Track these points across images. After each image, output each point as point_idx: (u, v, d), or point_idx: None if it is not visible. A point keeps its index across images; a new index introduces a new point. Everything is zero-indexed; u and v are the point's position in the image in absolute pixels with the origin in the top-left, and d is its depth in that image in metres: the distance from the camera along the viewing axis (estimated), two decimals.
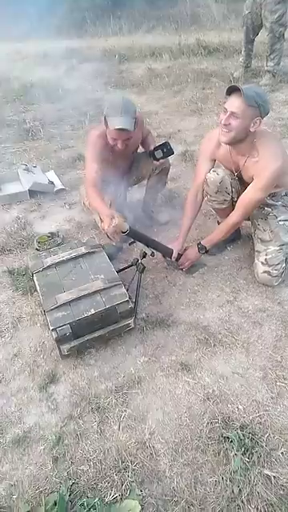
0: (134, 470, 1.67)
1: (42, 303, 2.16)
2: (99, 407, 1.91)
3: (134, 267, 2.39)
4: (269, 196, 2.36)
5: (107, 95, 2.41)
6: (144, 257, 2.35)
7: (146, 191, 3.03)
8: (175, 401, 1.92)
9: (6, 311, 2.47)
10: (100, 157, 2.50)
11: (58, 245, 2.79)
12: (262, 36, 5.19)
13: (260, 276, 2.45)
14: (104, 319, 2.10)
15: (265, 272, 2.42)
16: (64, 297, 2.11)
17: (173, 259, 2.55)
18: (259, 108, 2.03)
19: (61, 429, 1.86)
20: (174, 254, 2.53)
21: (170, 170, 2.98)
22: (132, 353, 2.15)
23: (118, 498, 1.59)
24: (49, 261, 2.35)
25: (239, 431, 1.75)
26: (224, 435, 1.75)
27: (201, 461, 1.69)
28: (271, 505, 1.54)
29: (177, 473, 1.66)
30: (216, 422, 1.81)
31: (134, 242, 2.37)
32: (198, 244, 2.53)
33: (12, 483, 1.68)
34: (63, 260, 2.34)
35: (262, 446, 1.71)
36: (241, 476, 1.62)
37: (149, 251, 2.33)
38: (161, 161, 2.70)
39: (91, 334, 2.09)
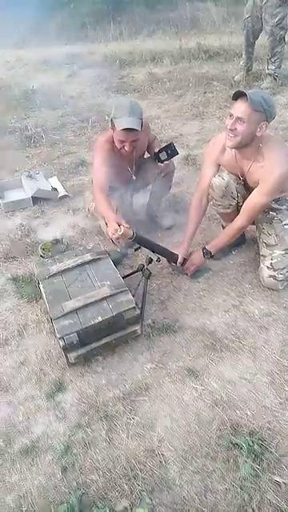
0: (143, 478, 1.66)
1: (48, 311, 2.16)
2: (107, 415, 1.91)
3: (140, 273, 2.38)
4: (273, 201, 2.36)
5: (113, 99, 2.42)
6: (150, 262, 2.35)
7: (150, 195, 3.03)
8: (183, 407, 1.91)
9: (11, 319, 2.46)
10: (108, 161, 2.51)
11: (63, 251, 2.79)
12: (263, 39, 5.19)
13: (265, 280, 2.45)
14: (111, 326, 2.09)
15: (270, 276, 2.42)
16: (71, 304, 2.11)
17: (178, 264, 2.55)
18: (265, 113, 2.03)
19: (69, 438, 1.85)
20: (180, 259, 2.52)
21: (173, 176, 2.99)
22: (139, 359, 2.15)
23: (129, 507, 1.58)
24: (55, 268, 2.35)
25: (248, 437, 1.74)
26: (233, 442, 1.74)
27: (210, 468, 1.69)
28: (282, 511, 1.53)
29: (187, 481, 1.65)
30: (225, 429, 1.80)
31: (139, 247, 2.37)
32: (203, 249, 2.53)
33: (21, 494, 1.67)
34: (69, 267, 2.34)
35: (272, 453, 1.71)
36: (251, 483, 1.61)
37: (155, 257, 2.33)
38: (165, 163, 2.70)
39: (98, 341, 2.09)
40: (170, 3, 8.98)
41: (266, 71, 5.32)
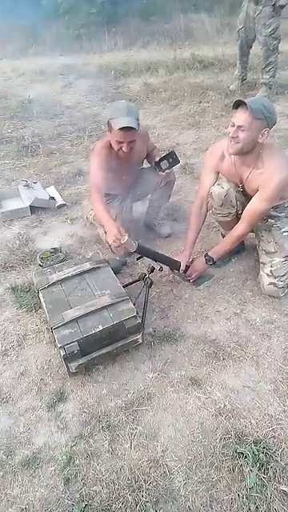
0: (147, 489, 1.64)
1: (48, 320, 2.14)
2: (110, 425, 1.88)
3: (140, 282, 2.37)
4: (272, 208, 2.36)
5: (110, 103, 2.43)
6: (152, 271, 2.34)
7: (149, 204, 3.03)
8: (186, 417, 1.89)
9: (10, 329, 2.44)
10: (105, 165, 2.51)
11: (61, 260, 2.77)
12: (257, 49, 5.24)
13: (266, 288, 2.44)
14: (112, 335, 2.07)
15: (270, 284, 2.41)
16: (71, 313, 2.09)
17: (181, 271, 2.54)
18: (266, 120, 2.05)
19: (71, 448, 1.82)
20: (182, 267, 2.52)
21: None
22: (141, 369, 2.13)
23: None
24: (54, 277, 2.33)
25: (253, 446, 1.72)
26: (238, 451, 1.72)
27: (215, 478, 1.67)
28: None
29: (192, 491, 1.63)
30: (229, 438, 1.78)
31: (141, 257, 2.36)
32: (205, 255, 2.52)
33: (23, 507, 1.64)
34: (68, 276, 2.33)
35: (277, 461, 1.69)
36: (257, 493, 1.59)
37: (157, 266, 2.32)
38: (166, 171, 2.70)
39: (99, 350, 2.07)
40: (164, 15, 9.08)
41: (261, 81, 5.36)
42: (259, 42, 5.10)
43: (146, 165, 2.91)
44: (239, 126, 2.06)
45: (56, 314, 2.11)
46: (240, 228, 2.37)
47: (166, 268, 2.48)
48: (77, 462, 1.77)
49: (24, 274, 2.83)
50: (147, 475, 1.69)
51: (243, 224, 2.35)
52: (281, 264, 2.39)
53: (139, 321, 2.13)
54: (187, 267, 2.57)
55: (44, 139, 4.85)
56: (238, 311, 2.41)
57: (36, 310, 2.51)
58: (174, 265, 2.50)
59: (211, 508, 1.58)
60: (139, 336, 2.14)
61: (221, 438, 1.78)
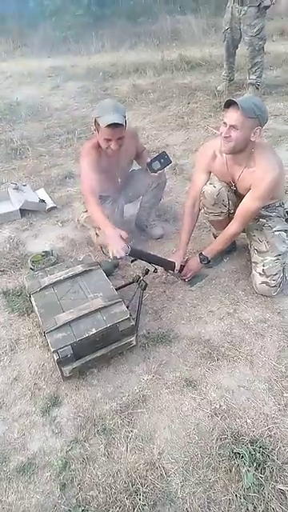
0: (144, 492, 1.63)
1: (40, 324, 2.12)
2: (105, 429, 1.87)
3: (134, 284, 2.36)
4: (263, 207, 2.38)
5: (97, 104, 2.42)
6: (146, 273, 2.33)
7: (140, 206, 3.02)
8: (182, 418, 1.89)
9: (2, 334, 2.41)
10: (96, 165, 2.49)
11: (53, 264, 2.75)
12: (243, 49, 5.26)
13: (258, 287, 2.45)
14: (105, 338, 2.06)
15: (263, 283, 2.42)
16: (64, 317, 2.07)
17: (175, 271, 2.54)
18: (258, 118, 2.07)
19: (67, 453, 1.81)
20: (177, 267, 2.52)
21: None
22: (135, 371, 2.12)
23: None
24: (46, 281, 2.31)
25: (249, 446, 1.72)
26: (234, 451, 1.72)
27: (213, 479, 1.66)
28: None
29: (189, 493, 1.62)
30: (225, 438, 1.78)
31: (135, 259, 2.36)
32: (199, 254, 2.52)
33: None
34: (60, 279, 2.31)
35: (274, 460, 1.69)
36: (254, 492, 1.59)
37: (151, 268, 2.32)
38: (159, 172, 2.70)
39: (93, 353, 2.05)
40: (150, 16, 9.09)
41: (248, 81, 5.38)
42: (245, 42, 5.12)
43: (136, 167, 2.90)
44: (231, 126, 2.06)
45: (48, 317, 2.10)
46: (233, 227, 2.38)
47: (159, 269, 2.48)
48: (73, 466, 1.76)
49: (15, 277, 2.80)
50: (144, 478, 1.68)
51: (236, 223, 2.36)
52: (273, 263, 2.40)
53: (133, 323, 2.12)
54: (182, 267, 2.56)
55: (33, 142, 4.82)
56: (231, 311, 2.41)
57: (28, 314, 2.49)
58: (168, 265, 2.50)
59: (209, 509, 1.57)
60: (133, 338, 2.13)
61: (217, 439, 1.78)
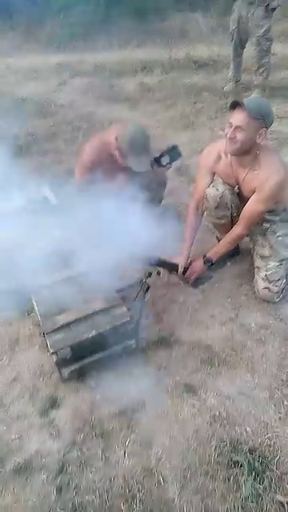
0: (141, 499, 1.62)
1: (40, 325, 2.11)
2: (103, 432, 1.86)
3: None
4: (267, 212, 2.35)
5: (126, 127, 2.37)
6: (149, 276, 2.31)
7: None
8: (181, 424, 1.87)
9: (2, 333, 2.40)
10: (99, 166, 2.47)
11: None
12: (250, 50, 5.23)
13: (261, 292, 2.43)
14: (105, 340, 2.04)
15: (265, 288, 2.40)
16: (64, 318, 2.06)
17: (179, 273, 2.52)
18: (264, 119, 2.05)
19: (64, 456, 1.79)
20: (180, 269, 2.50)
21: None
22: (135, 374, 2.10)
23: None
24: (47, 281, 2.29)
25: (248, 455, 1.71)
26: (233, 459, 1.71)
27: (210, 487, 1.65)
28: None
29: (186, 501, 1.61)
30: (224, 446, 1.76)
31: None
32: (203, 257, 2.50)
33: None
34: (61, 279, 2.29)
35: (273, 470, 1.67)
36: (252, 502, 1.57)
37: (154, 270, 2.30)
38: (168, 166, 2.67)
39: (92, 355, 2.04)
40: (159, 14, 9.03)
41: (254, 82, 5.35)
42: (252, 42, 5.09)
43: None
44: (237, 127, 2.04)
45: (48, 318, 2.08)
46: (238, 229, 2.36)
47: (162, 271, 2.46)
48: (69, 470, 1.75)
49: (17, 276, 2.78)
50: (141, 484, 1.67)
51: (241, 226, 2.34)
52: (276, 268, 2.38)
53: (133, 326, 2.10)
54: (185, 269, 2.54)
55: (38, 138, 4.80)
56: (233, 316, 2.39)
57: (29, 314, 2.47)
58: (171, 267, 2.48)
59: None
60: (133, 341, 2.12)
61: (216, 447, 1.76)
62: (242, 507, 1.56)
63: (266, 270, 2.40)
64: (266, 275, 2.39)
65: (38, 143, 4.67)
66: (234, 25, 5.15)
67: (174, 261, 2.51)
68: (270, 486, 1.62)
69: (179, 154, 2.63)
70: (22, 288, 2.57)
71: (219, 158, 2.37)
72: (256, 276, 2.46)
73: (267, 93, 5.29)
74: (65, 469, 1.75)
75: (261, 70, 5.20)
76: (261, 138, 2.10)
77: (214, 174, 2.46)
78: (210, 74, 6.40)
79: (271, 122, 2.11)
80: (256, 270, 2.48)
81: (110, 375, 2.10)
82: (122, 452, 1.79)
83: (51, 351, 1.96)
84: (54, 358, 1.95)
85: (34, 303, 2.22)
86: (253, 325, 2.33)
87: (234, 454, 1.71)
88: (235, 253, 2.81)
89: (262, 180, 2.18)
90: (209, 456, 1.73)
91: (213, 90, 5.65)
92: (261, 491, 1.60)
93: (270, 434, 1.80)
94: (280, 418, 1.86)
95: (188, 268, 2.55)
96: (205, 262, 2.50)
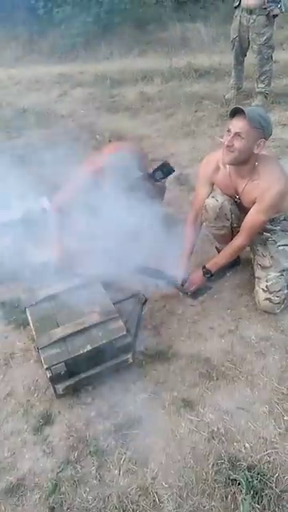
0: None
1: (35, 339, 2.07)
2: (98, 450, 1.81)
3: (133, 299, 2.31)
4: (268, 221, 2.31)
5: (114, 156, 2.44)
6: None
7: None
8: (178, 441, 1.82)
9: None
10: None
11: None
12: (252, 57, 5.22)
13: (261, 303, 2.38)
14: (101, 355, 2.00)
15: (266, 299, 2.35)
16: (59, 332, 2.02)
17: (178, 285, 2.48)
18: (263, 130, 2.02)
19: (57, 475, 1.75)
20: (179, 281, 2.46)
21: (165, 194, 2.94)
22: (131, 389, 2.05)
23: None
24: (42, 293, 2.26)
25: (247, 472, 1.65)
26: (231, 477, 1.65)
27: (207, 507, 1.59)
28: None
29: None
30: (222, 463, 1.71)
31: None
32: (202, 268, 2.45)
33: None
34: (57, 293, 2.26)
35: (272, 488, 1.62)
36: None
37: (153, 284, 2.27)
38: (163, 181, 2.70)
39: (88, 371, 2.00)
40: (160, 24, 9.07)
41: (256, 90, 5.33)
42: (253, 50, 5.07)
43: None
44: (236, 133, 2.01)
45: (43, 332, 2.05)
46: (239, 240, 2.32)
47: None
48: (63, 489, 1.70)
49: (13, 288, 2.75)
50: (136, 504, 1.62)
51: (242, 236, 2.31)
52: (276, 279, 2.33)
53: (129, 340, 2.06)
54: (185, 281, 2.49)
55: (38, 149, 4.79)
56: (233, 328, 2.34)
57: (24, 327, 2.43)
58: (169, 280, 2.44)
59: None
60: (130, 355, 2.07)
61: (213, 464, 1.71)
62: None
63: (266, 281, 2.35)
64: (266, 286, 2.34)
65: (38, 153, 4.66)
66: (235, 33, 5.14)
67: (173, 272, 2.46)
68: (269, 506, 1.56)
69: (172, 170, 2.69)
70: (18, 301, 2.56)
71: (218, 168, 2.35)
72: (256, 287, 2.42)
73: (269, 100, 5.27)
74: (58, 488, 1.70)
75: (262, 78, 5.18)
76: (259, 149, 2.07)
77: (213, 183, 2.43)
78: (211, 82, 6.39)
79: (270, 133, 2.09)
80: (256, 280, 2.43)
81: (105, 391, 2.06)
82: (117, 470, 1.74)
83: (45, 367, 1.92)
84: (48, 373, 1.91)
85: (29, 317, 2.19)
86: (253, 337, 2.28)
87: (232, 472, 1.66)
88: (236, 263, 2.76)
89: (262, 190, 2.15)
90: (206, 474, 1.68)
91: (214, 98, 5.63)
92: (259, 511, 1.54)
93: (269, 451, 1.74)
94: (280, 434, 1.81)
95: (187, 280, 2.51)
96: (204, 274, 2.46)
